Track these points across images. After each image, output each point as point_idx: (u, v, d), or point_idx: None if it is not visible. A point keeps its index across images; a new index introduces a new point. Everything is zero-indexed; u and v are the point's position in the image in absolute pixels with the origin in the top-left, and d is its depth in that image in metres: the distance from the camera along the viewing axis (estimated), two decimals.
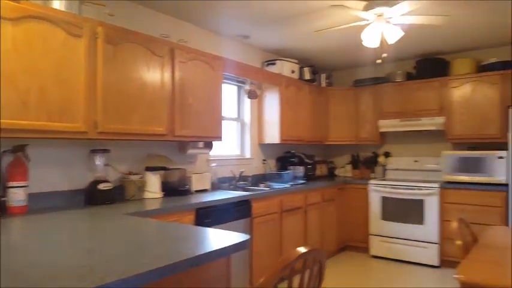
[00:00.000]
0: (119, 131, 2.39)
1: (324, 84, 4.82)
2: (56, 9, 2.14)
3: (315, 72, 4.53)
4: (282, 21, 3.27)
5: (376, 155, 4.82)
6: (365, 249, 4.35)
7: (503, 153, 3.60)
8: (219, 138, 3.15)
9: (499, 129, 3.74)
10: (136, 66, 2.50)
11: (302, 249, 1.25)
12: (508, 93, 3.70)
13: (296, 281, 1.26)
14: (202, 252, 1.27)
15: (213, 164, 3.50)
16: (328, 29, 3.10)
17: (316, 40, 3.80)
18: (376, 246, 4.21)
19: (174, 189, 2.89)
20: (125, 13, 2.80)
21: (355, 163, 4.87)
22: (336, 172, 5.12)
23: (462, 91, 3.97)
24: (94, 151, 2.54)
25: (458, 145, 4.23)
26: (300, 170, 4.20)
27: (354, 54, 4.33)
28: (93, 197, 2.46)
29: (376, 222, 4.22)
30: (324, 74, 4.85)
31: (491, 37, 3.72)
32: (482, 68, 3.93)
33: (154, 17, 3.06)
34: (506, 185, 3.51)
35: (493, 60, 3.87)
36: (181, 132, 2.82)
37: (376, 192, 4.23)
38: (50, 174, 2.38)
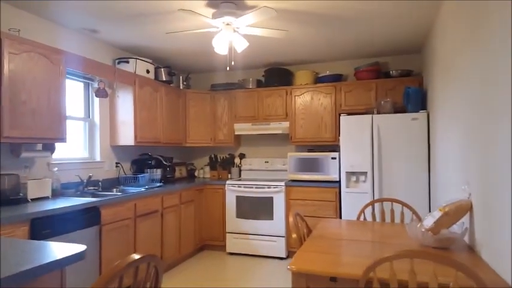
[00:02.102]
0: None
1: (181, 86, 5.05)
2: None
3: (171, 73, 4.70)
4: (132, 19, 3.33)
5: (232, 157, 5.31)
6: (222, 247, 4.76)
7: (335, 154, 4.44)
8: (61, 139, 3.01)
9: (333, 133, 4.63)
10: None
11: (134, 256, 1.25)
12: (339, 102, 4.63)
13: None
14: (26, 268, 1.23)
15: (55, 169, 3.29)
16: (178, 32, 3.32)
17: (170, 41, 3.98)
18: (232, 244, 4.66)
19: (6, 199, 2.64)
20: None
21: (213, 164, 5.25)
22: (196, 174, 5.41)
23: (303, 99, 4.78)
24: None
25: (301, 147, 5.06)
26: (157, 173, 4.30)
27: (209, 59, 4.70)
28: None
29: (232, 221, 4.67)
30: (181, 76, 5.08)
31: (326, 52, 4.60)
32: (318, 80, 4.82)
33: None
34: (338, 181, 4.37)
35: (328, 73, 4.79)
36: (11, 133, 2.60)
37: (232, 191, 4.68)
38: None
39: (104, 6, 3.03)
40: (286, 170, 4.95)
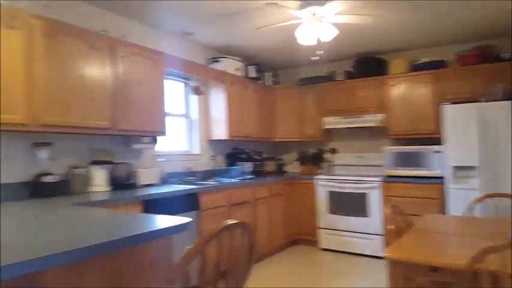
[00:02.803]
0: (61, 123, 2.54)
1: (269, 82, 5.18)
2: None
3: (259, 70, 4.87)
4: (222, 19, 3.56)
5: (321, 151, 5.25)
6: (314, 243, 4.73)
7: (439, 147, 4.03)
8: (162, 133, 3.36)
9: (433, 124, 4.27)
10: (77, 60, 2.66)
11: (230, 221, 1.39)
12: (439, 91, 4.26)
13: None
14: (140, 232, 1.40)
15: (161, 159, 3.69)
16: (265, 26, 3.43)
17: (257, 39, 4.14)
18: (325, 239, 4.60)
19: (121, 183, 3.06)
20: (62, 7, 2.93)
21: (302, 159, 5.27)
22: (285, 169, 5.49)
23: (399, 89, 4.50)
24: (36, 144, 2.65)
25: (397, 141, 4.76)
26: (248, 166, 4.49)
27: (295, 54, 4.74)
28: (37, 189, 2.59)
29: (324, 216, 4.62)
30: (269, 73, 5.22)
31: (422, 38, 4.28)
32: (414, 68, 4.49)
33: (94, 13, 3.21)
34: (441, 177, 3.97)
35: (425, 60, 4.44)
36: (125, 126, 2.99)
37: (323, 187, 4.63)
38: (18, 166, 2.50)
39: (195, 8, 3.30)
40: (381, 165, 4.71)
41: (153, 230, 1.46)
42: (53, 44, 2.51)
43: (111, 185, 3.01)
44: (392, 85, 4.54)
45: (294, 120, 5.18)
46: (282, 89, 5.21)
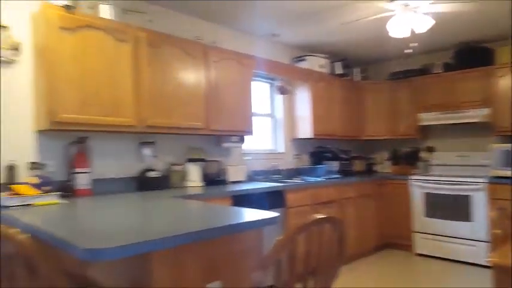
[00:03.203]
0: (163, 125, 2.87)
1: (358, 78, 5.03)
2: (104, 18, 2.64)
3: (347, 66, 4.77)
4: (309, 18, 3.59)
5: (417, 150, 4.92)
6: (408, 247, 4.46)
7: None
8: (249, 132, 3.53)
9: None
10: (175, 66, 2.96)
11: (319, 215, 1.40)
12: None
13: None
14: (234, 223, 1.54)
15: (248, 157, 3.87)
16: (354, 21, 3.36)
17: (344, 34, 4.07)
18: (421, 244, 4.31)
19: (212, 179, 3.31)
20: (162, 19, 3.28)
21: (394, 158, 5.00)
22: (375, 168, 5.27)
23: (507, 81, 4.01)
24: (142, 143, 3.04)
25: (506, 138, 4.23)
26: (334, 165, 4.44)
27: (385, 47, 4.53)
28: (143, 183, 2.97)
29: (420, 219, 4.33)
30: (357, 68, 5.07)
31: None
32: None
33: (189, 22, 3.52)
34: None
35: None
36: (216, 126, 3.23)
37: (419, 188, 4.34)
38: (108, 163, 2.90)
39: (284, 10, 3.39)
40: (486, 165, 4.24)
41: (245, 221, 1.58)
42: (156, 53, 2.84)
43: (203, 180, 3.27)
44: (500, 76, 4.06)
45: (385, 117, 4.95)
46: (371, 84, 5.03)
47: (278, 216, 1.73)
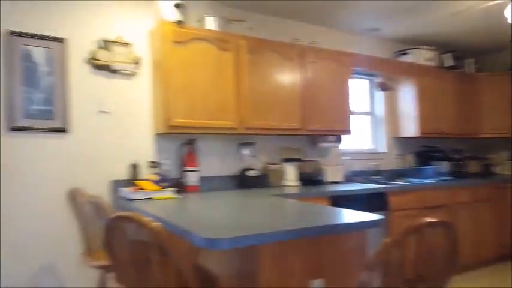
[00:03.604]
0: (262, 126, 3.02)
1: (471, 70, 4.55)
2: (209, 29, 2.89)
3: (457, 58, 4.34)
4: (413, 8, 3.38)
5: None
6: None
7: None
8: (347, 132, 3.47)
9: None
10: (273, 70, 3.09)
11: (431, 219, 1.30)
12: None
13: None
14: (339, 222, 1.56)
15: (345, 157, 3.82)
16: (465, 10, 3.06)
17: (453, 24, 3.73)
18: None
19: (309, 179, 3.36)
20: (262, 25, 3.43)
21: None
22: (493, 170, 4.69)
23: None
24: (242, 144, 3.24)
25: None
26: (444, 166, 4.09)
27: (503, 35, 4.00)
28: (243, 181, 3.18)
29: None
30: (470, 60, 4.58)
31: None
32: None
33: (287, 25, 3.62)
34: None
35: None
36: (312, 126, 3.27)
37: None
38: (212, 162, 3.17)
39: (386, 4, 3.26)
40: None
41: (351, 222, 1.59)
42: (254, 59, 3.00)
43: (300, 180, 3.33)
44: None
45: (505, 113, 4.38)
46: (488, 76, 4.49)
47: (383, 219, 1.69)
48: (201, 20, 3.00)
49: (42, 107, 2.51)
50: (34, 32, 2.49)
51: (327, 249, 1.56)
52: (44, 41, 2.52)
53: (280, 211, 1.92)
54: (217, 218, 1.69)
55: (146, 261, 1.22)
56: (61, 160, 2.58)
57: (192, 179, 2.90)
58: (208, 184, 3.08)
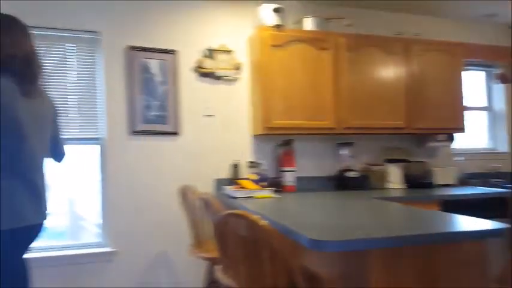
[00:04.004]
0: (361, 126, 2.94)
1: None
2: (307, 30, 2.91)
3: None
4: None
5: None
6: None
7: None
8: (460, 129, 3.16)
9: None
10: (374, 66, 2.98)
11: None
12: None
13: None
14: (458, 230, 1.43)
15: (459, 158, 3.48)
16: None
17: None
18: None
19: (416, 182, 3.15)
20: (362, 21, 3.33)
21: None
22: None
23: None
24: (340, 144, 3.19)
25: None
26: None
27: None
28: (341, 183, 3.11)
29: None
30: None
31: None
32: None
33: (389, 18, 3.44)
34: None
35: None
36: (419, 124, 3.06)
37: None
38: (309, 162, 3.18)
39: None
40: None
41: (468, 230, 1.45)
42: (354, 56, 2.93)
43: (405, 182, 3.13)
44: None
45: None
46: None
47: (504, 228, 1.51)
48: (298, 22, 3.04)
49: (158, 113, 2.82)
50: (151, 46, 2.81)
51: (442, 259, 1.44)
52: (159, 54, 2.82)
53: (386, 215, 1.84)
54: (319, 219, 1.70)
55: (256, 258, 1.29)
56: (173, 160, 2.86)
57: (289, 179, 2.95)
58: (305, 184, 3.09)
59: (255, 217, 1.26)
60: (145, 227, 2.78)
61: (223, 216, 1.41)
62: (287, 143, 3.03)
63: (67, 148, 1.84)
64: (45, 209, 1.60)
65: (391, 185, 3.13)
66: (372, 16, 3.39)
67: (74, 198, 2.93)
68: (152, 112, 2.80)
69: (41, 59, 1.61)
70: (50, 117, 1.67)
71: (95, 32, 2.70)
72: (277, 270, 1.28)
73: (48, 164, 1.69)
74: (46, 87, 1.73)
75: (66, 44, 2.66)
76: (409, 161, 3.23)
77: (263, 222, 1.24)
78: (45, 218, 1.60)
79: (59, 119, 1.77)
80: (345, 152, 3.17)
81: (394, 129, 3.02)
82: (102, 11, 2.72)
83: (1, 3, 2.43)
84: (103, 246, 2.71)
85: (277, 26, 2.79)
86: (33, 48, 1.58)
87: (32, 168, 1.53)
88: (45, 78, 1.67)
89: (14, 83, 1.45)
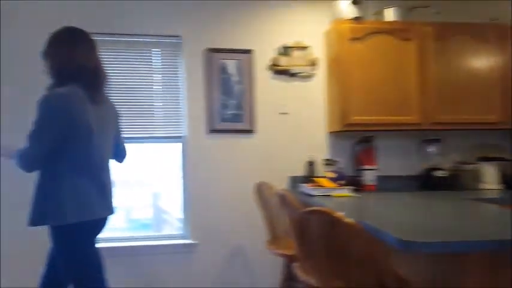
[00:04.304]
0: (450, 121, 2.74)
1: None
2: (387, 21, 2.77)
3: None
4: None
5: None
6: None
7: None
8: None
9: None
10: (464, 56, 2.76)
11: None
12: None
13: None
14: None
15: None
16: None
17: None
18: None
19: None
20: (451, 8, 3.06)
21: None
22: None
23: None
24: (426, 141, 2.99)
25: None
26: None
27: None
28: (427, 182, 2.92)
29: None
30: None
31: None
32: None
33: (480, 4, 3.12)
34: None
35: None
36: None
37: None
38: (391, 161, 3.03)
39: None
40: None
41: None
42: (442, 45, 2.74)
43: (503, 183, 2.83)
44: None
45: None
46: None
47: None
48: (378, 13, 2.90)
49: (234, 112, 2.90)
50: (228, 47, 2.91)
51: None
52: (236, 54, 2.90)
53: (481, 217, 1.68)
54: (407, 219, 1.60)
55: (341, 257, 1.26)
56: (248, 157, 2.92)
57: (368, 177, 2.84)
58: (387, 184, 2.94)
59: (339, 214, 1.23)
60: (224, 222, 2.88)
61: (304, 212, 1.39)
62: (367, 140, 2.92)
63: (127, 147, 1.98)
64: (111, 204, 1.76)
65: (485, 186, 2.85)
66: (462, 3, 3.11)
67: (158, 192, 3.15)
68: (229, 111, 2.89)
69: (106, 68, 1.77)
70: (113, 121, 1.83)
71: (177, 36, 2.86)
72: (365, 270, 1.24)
73: (112, 163, 1.84)
74: (109, 93, 1.89)
75: (152, 49, 2.87)
76: (507, 160, 2.90)
77: (349, 220, 1.20)
78: (111, 213, 1.75)
79: (120, 122, 1.92)
80: (431, 149, 2.96)
81: (488, 125, 2.76)
82: (183, 16, 2.87)
83: (94, 14, 2.70)
84: (184, 238, 2.87)
85: (356, 19, 2.70)
86: (99, 59, 1.74)
87: (99, 167, 1.69)
88: (109, 85, 1.82)
89: (84, 91, 1.62)
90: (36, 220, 1.58)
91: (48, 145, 1.56)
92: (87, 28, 1.77)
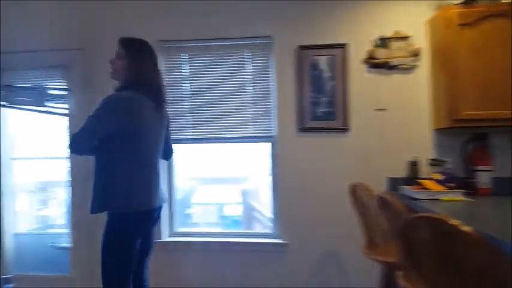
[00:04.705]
0: None
1: None
2: (503, 1, 2.41)
3: None
4: None
5: None
6: None
7: None
8: None
9: None
10: None
11: None
12: None
13: None
14: None
15: None
16: None
17: None
18: None
19: None
20: None
21: None
22: None
23: None
24: None
25: None
26: None
27: None
28: None
29: None
30: None
31: None
32: None
33: None
34: None
35: None
36: None
37: None
38: (508, 161, 2.66)
39: None
40: None
41: None
42: None
43: None
44: None
45: None
46: None
47: None
48: None
49: (326, 109, 2.81)
50: (320, 42, 2.83)
51: None
52: (328, 49, 2.81)
53: None
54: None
55: (456, 268, 1.12)
56: (342, 156, 2.81)
57: (483, 180, 2.52)
58: (504, 187, 2.57)
59: (455, 222, 1.09)
60: (316, 223, 2.81)
61: (412, 219, 1.28)
62: (480, 137, 2.59)
63: (175, 147, 2.25)
64: (161, 196, 1.98)
65: None
66: None
67: (249, 191, 3.22)
68: (320, 109, 2.82)
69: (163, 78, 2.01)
70: (166, 124, 2.08)
71: (268, 36, 2.88)
72: (482, 283, 1.09)
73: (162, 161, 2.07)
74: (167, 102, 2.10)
75: (244, 52, 2.93)
76: None
77: (466, 228, 1.06)
78: (161, 203, 1.98)
79: (170, 125, 2.17)
80: None
81: None
82: (274, 16, 2.87)
83: (189, 23, 2.86)
84: (275, 238, 2.88)
85: (467, 2, 2.41)
86: (160, 71, 1.98)
87: (153, 164, 1.90)
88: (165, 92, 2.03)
89: (149, 99, 1.84)
90: (100, 207, 1.78)
91: (98, 135, 1.75)
92: (183, 35, 1.90)
